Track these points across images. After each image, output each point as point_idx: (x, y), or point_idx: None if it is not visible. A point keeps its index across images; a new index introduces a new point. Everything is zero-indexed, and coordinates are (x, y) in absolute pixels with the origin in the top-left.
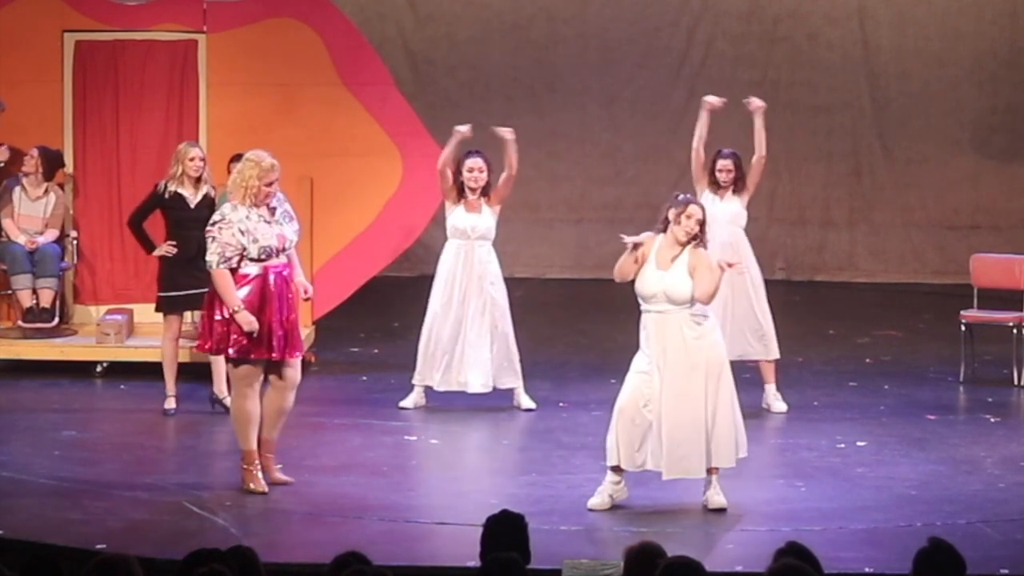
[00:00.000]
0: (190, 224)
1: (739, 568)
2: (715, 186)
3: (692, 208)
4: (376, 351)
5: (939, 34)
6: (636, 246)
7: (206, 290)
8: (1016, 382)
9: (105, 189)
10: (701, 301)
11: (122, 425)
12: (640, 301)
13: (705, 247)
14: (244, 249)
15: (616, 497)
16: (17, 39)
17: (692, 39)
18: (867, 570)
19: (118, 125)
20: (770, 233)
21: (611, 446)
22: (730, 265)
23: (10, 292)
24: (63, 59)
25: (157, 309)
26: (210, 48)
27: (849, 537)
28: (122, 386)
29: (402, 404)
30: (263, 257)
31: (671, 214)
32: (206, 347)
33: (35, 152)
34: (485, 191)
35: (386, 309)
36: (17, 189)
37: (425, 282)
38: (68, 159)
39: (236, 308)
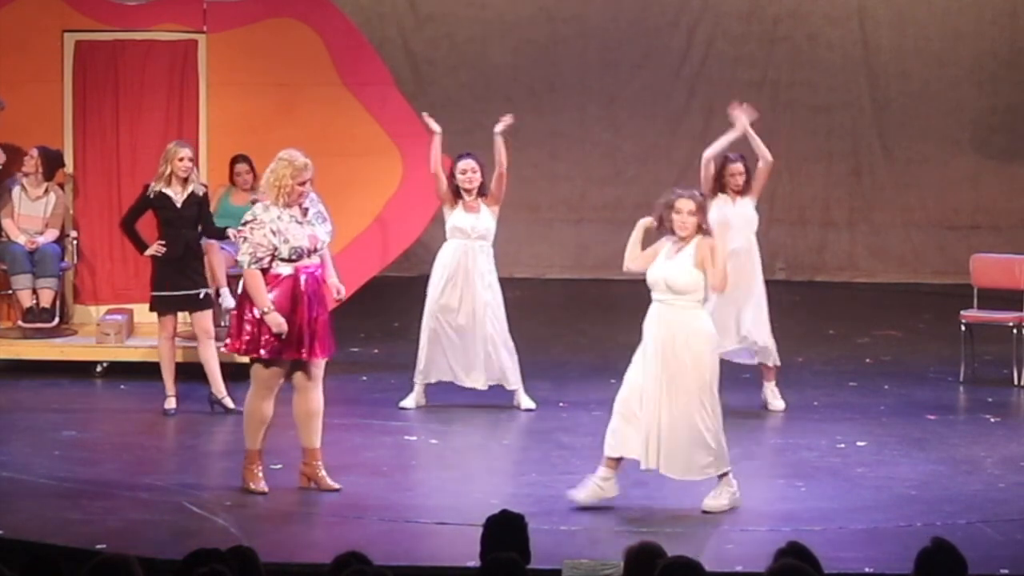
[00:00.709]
0: (178, 223)
1: (739, 568)
2: (727, 191)
3: (680, 202)
4: (376, 351)
5: (939, 34)
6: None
7: (200, 292)
8: (1016, 382)
9: (105, 189)
10: (716, 290)
11: (122, 425)
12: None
13: (710, 234)
14: (275, 249)
15: (604, 491)
16: (17, 39)
17: (692, 39)
18: (867, 570)
19: (118, 125)
20: (770, 233)
21: (607, 436)
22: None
23: (10, 292)
24: (63, 59)
25: (151, 309)
26: (210, 48)
27: (849, 537)
28: (122, 386)
29: (402, 404)
30: (294, 258)
31: (664, 213)
32: (236, 347)
33: (35, 152)
34: (481, 191)
35: (386, 309)
36: (17, 189)
37: (425, 282)
38: (68, 159)
39: (266, 309)
